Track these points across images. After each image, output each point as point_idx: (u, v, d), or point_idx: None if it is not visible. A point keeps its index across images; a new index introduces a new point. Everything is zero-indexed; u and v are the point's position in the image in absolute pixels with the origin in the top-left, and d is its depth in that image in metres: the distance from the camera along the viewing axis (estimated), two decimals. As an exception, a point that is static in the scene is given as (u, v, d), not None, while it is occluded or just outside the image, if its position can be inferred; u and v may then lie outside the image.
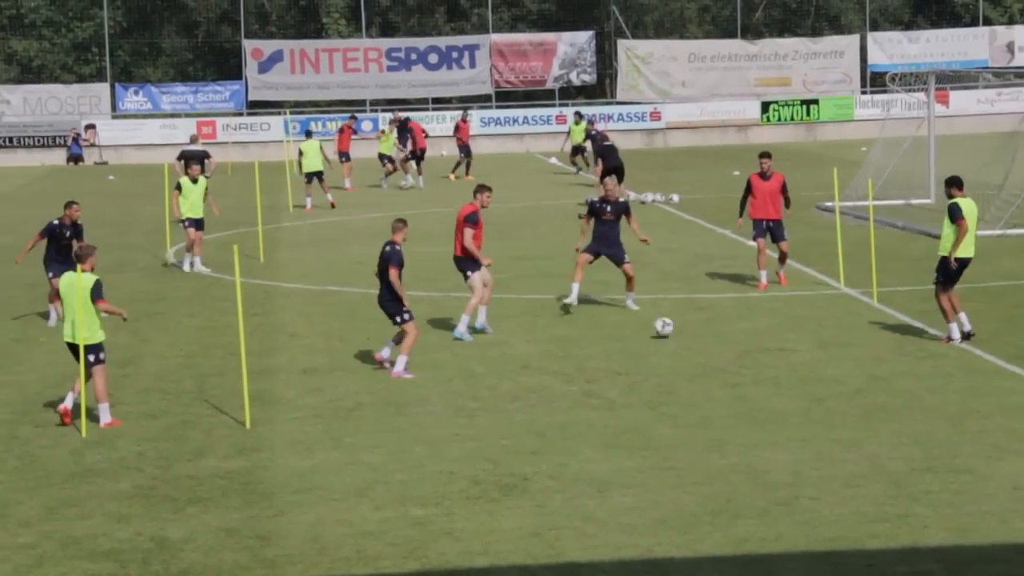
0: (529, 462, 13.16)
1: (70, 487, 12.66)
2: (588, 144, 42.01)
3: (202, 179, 25.49)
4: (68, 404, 14.83)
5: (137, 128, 56.33)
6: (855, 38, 61.25)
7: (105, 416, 14.75)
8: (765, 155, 22.82)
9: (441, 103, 59.01)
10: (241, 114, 57.14)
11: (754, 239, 22.60)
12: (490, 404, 15.45)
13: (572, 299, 20.38)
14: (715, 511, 11.66)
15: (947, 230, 18.04)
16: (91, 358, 14.62)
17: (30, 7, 59.03)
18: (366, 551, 10.93)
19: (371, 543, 11.09)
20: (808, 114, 59.31)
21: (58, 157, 54.95)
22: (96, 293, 14.63)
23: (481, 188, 19.32)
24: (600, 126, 43.34)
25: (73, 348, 14.76)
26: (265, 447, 13.89)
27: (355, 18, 60.00)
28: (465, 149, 44.43)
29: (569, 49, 59.09)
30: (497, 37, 59.02)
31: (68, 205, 20.57)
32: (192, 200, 25.20)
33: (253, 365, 16.41)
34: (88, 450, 13.84)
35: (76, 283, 14.67)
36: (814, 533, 11.14)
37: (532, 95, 59.46)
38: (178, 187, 25.33)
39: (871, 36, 61.29)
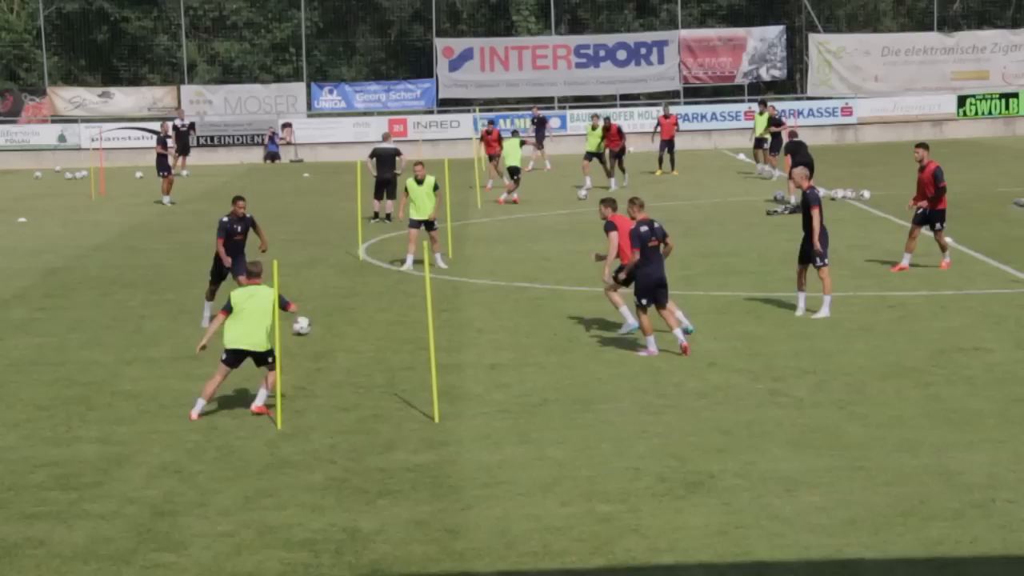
0: (716, 460, 13.08)
1: (266, 478, 13.03)
2: (769, 136, 41.50)
3: (429, 179, 24.73)
4: (260, 401, 15.41)
5: (331, 127, 57.52)
6: (1058, 28, 59.25)
7: (260, 400, 15.37)
8: (920, 145, 23.76)
9: (629, 99, 58.91)
10: (432, 112, 57.92)
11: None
12: (676, 401, 15.40)
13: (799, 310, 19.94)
14: (907, 512, 11.43)
15: None
16: (270, 360, 15.31)
17: (232, 9, 60.82)
18: (552, 546, 11.01)
19: (557, 538, 11.17)
20: (1007, 108, 57.53)
21: (256, 155, 56.47)
22: (283, 300, 15.56)
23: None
24: (790, 123, 42.67)
25: (241, 355, 15.35)
26: (453, 441, 14.08)
27: (544, 15, 60.27)
28: (667, 144, 44.15)
29: (759, 44, 58.38)
30: (686, 33, 58.66)
31: (234, 201, 20.88)
32: (419, 203, 24.67)
33: (442, 360, 16.65)
34: (283, 442, 14.23)
35: (255, 295, 15.37)
36: (1012, 537, 10.84)
37: (721, 91, 58.93)
38: (405, 190, 24.82)
39: (1075, 26, 59.21)
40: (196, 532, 11.57)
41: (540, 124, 48.53)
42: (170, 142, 42.44)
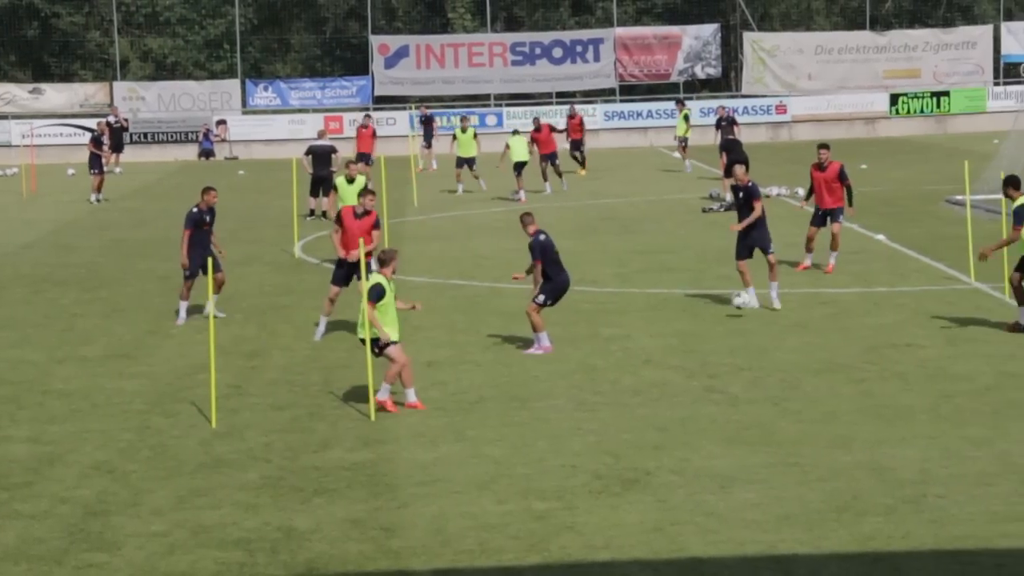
0: (651, 457, 13.13)
1: (200, 477, 12.93)
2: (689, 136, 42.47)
3: (360, 178, 24.11)
4: (383, 395, 15.14)
5: (266, 124, 57.17)
6: (988, 28, 59.93)
7: (412, 397, 15.17)
8: (823, 146, 23.93)
9: (565, 97, 59.02)
10: (367, 109, 57.71)
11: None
12: (612, 398, 15.45)
13: (746, 301, 19.88)
14: (840, 508, 11.53)
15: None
16: (375, 351, 15.06)
17: (165, 5, 60.26)
18: (488, 544, 11.01)
19: (493, 536, 11.16)
20: (939, 106, 58.20)
21: (190, 152, 56.03)
22: (370, 295, 15.03)
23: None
24: (713, 119, 42.91)
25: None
26: (389, 439, 14.05)
27: (480, 13, 60.25)
28: (576, 144, 43.78)
29: (694, 42, 58.69)
30: (622, 31, 58.84)
31: (206, 191, 20.67)
32: (348, 202, 23.48)
33: (377, 359, 16.58)
34: (217, 441, 14.13)
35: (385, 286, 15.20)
36: (943, 531, 10.96)
37: (656, 89, 59.17)
38: (334, 187, 24.27)
39: (1005, 26, 59.92)
40: (129, 532, 11.46)
41: (427, 123, 48.29)
42: (104, 139, 42.00)
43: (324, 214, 32.53)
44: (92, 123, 51.70)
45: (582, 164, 43.56)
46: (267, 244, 28.69)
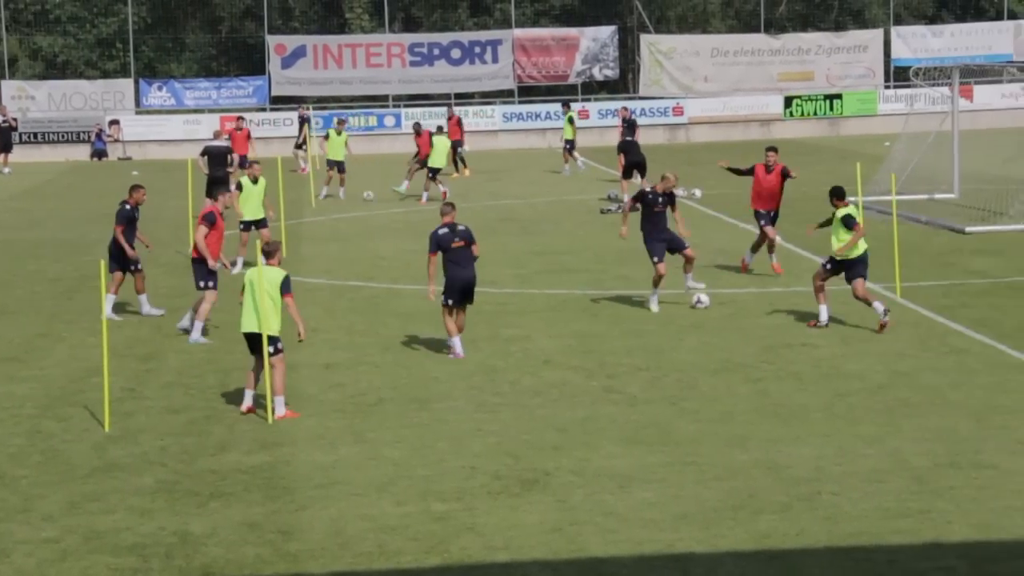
0: (551, 457, 13.16)
1: (93, 482, 12.72)
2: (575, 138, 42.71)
3: (262, 180, 24.15)
4: (249, 402, 14.97)
5: (161, 124, 56.41)
6: (879, 32, 60.96)
7: (280, 409, 14.80)
8: (771, 149, 23.86)
9: (464, 98, 59.00)
10: (264, 109, 57.22)
11: (763, 227, 23.64)
12: (512, 399, 15.46)
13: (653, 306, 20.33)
14: (737, 506, 11.64)
15: (845, 235, 19.00)
16: (271, 348, 14.71)
17: (54, 3, 59.22)
18: (388, 546, 10.95)
19: (392, 538, 11.11)
20: (831, 109, 59.07)
21: (82, 152, 55.11)
22: (286, 287, 14.82)
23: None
24: (612, 120, 43.08)
25: (251, 339, 14.88)
26: (287, 442, 13.92)
27: (378, 13, 60.01)
28: (455, 144, 43.30)
29: (592, 44, 58.98)
30: (520, 32, 58.96)
31: (135, 188, 20.84)
32: (253, 204, 24.13)
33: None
34: (111, 445, 13.90)
35: (262, 276, 14.81)
36: (836, 528, 11.11)
37: (555, 90, 59.33)
38: (239, 187, 24.26)
39: (895, 30, 61.00)
40: (19, 539, 11.23)
41: (303, 124, 47.81)
42: None
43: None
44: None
45: (464, 165, 43.27)
46: (162, 245, 28.28)
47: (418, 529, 11.29)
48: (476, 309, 20.48)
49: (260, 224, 24.43)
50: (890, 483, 12.14)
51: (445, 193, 33.92)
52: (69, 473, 12.99)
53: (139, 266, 20.55)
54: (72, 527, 11.49)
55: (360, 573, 10.50)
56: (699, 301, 20.29)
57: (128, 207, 20.37)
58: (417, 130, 39.59)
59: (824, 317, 18.96)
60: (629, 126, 41.09)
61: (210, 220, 18.98)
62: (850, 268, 19.12)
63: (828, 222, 19.69)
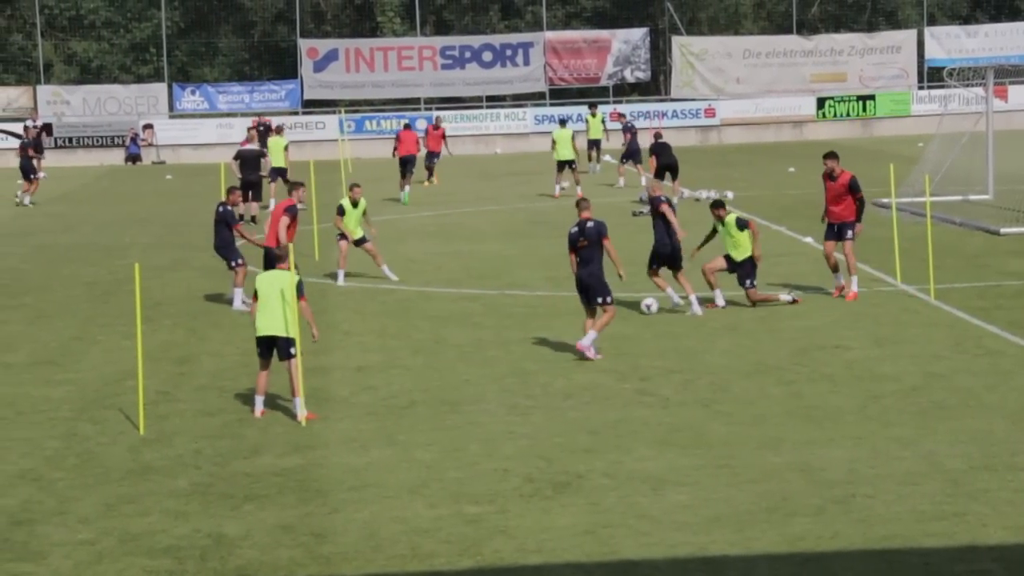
0: (583, 460, 13.15)
1: (128, 484, 12.79)
2: (604, 139, 42.74)
3: (363, 201, 23.63)
4: (261, 407, 15.13)
5: (194, 128, 56.70)
6: (912, 33, 60.71)
7: (300, 411, 14.90)
8: (829, 156, 21.68)
9: (495, 100, 59.06)
10: (296, 113, 57.44)
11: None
12: (543, 402, 15.46)
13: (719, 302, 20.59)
14: (770, 509, 11.61)
15: (744, 239, 20.27)
16: (291, 351, 14.87)
17: (89, 8, 59.62)
18: (420, 548, 10.97)
19: (425, 540, 11.13)
20: (864, 110, 58.86)
21: (116, 157, 55.45)
22: (300, 291, 14.98)
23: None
24: (644, 123, 43.07)
25: (265, 343, 15.02)
26: (320, 444, 13.97)
27: (410, 16, 60.16)
28: (434, 155, 42.82)
29: (623, 46, 58.94)
30: (551, 34, 58.98)
31: (232, 191, 22.06)
32: (353, 224, 23.58)
33: (308, 363, 16.50)
34: (146, 447, 13.98)
35: (276, 280, 15.02)
36: (870, 531, 11.07)
37: (586, 92, 59.35)
38: (340, 211, 23.58)
39: (928, 31, 60.74)
40: (55, 541, 11.31)
41: (265, 132, 47.15)
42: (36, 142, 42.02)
43: (253, 219, 32.32)
44: (15, 128, 51.23)
45: (430, 175, 42.16)
46: (195, 249, 28.42)
47: (451, 532, 11.30)
48: (507, 311, 20.55)
49: (360, 242, 23.96)
50: (925, 486, 12.08)
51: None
52: (105, 476, 13.06)
53: (241, 261, 21.55)
54: (108, 529, 11.56)
55: (393, 575, 10.53)
56: (648, 306, 20.26)
57: (229, 208, 21.67)
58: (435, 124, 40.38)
59: (720, 301, 20.20)
60: (628, 129, 41.20)
61: (292, 212, 19.73)
62: (740, 268, 20.19)
63: (711, 236, 20.75)
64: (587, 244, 17.64)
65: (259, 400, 15.22)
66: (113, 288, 23.57)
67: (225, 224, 21.59)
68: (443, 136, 42.84)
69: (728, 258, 20.49)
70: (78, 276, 25.36)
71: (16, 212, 37.16)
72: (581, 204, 18.33)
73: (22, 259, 27.83)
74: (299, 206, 21.20)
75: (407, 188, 37.56)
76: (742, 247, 20.39)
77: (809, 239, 27.04)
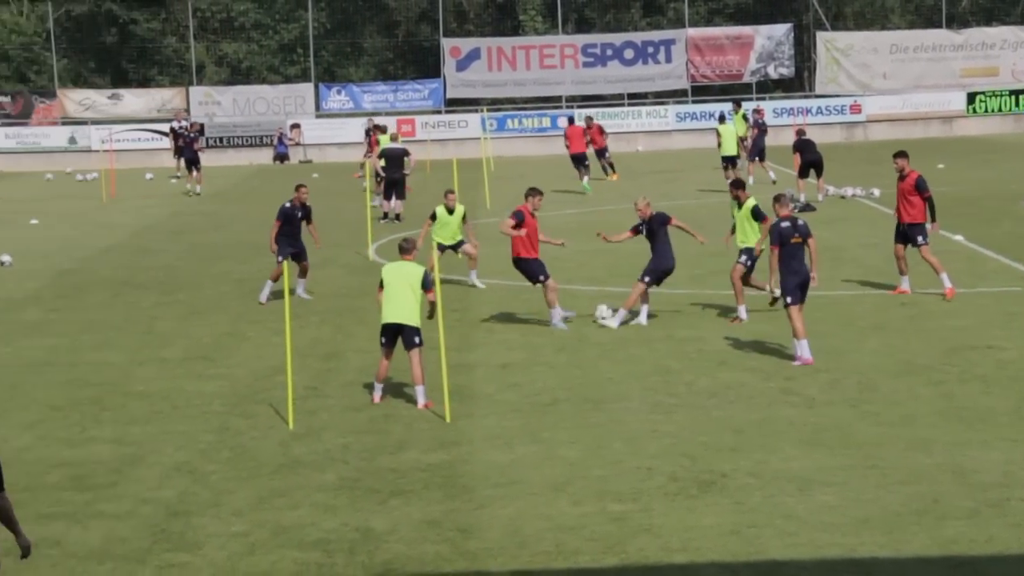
0: (728, 459, 13.08)
1: (279, 478, 13.05)
2: (750, 135, 42.02)
3: (459, 207, 23.02)
4: (379, 394, 15.60)
5: (340, 127, 57.48)
6: (1068, 25, 59.11)
7: (421, 398, 15.34)
8: (899, 155, 21.60)
9: (636, 98, 58.89)
10: (439, 112, 57.94)
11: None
12: (687, 400, 15.40)
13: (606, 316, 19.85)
14: (921, 511, 11.42)
15: (751, 227, 19.87)
16: (416, 340, 15.30)
17: (239, 11, 60.88)
18: (565, 545, 11.02)
19: (570, 537, 11.17)
20: (1017, 105, 57.39)
21: (265, 156, 56.49)
22: (428, 283, 15.37)
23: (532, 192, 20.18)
24: (787, 120, 42.53)
25: (391, 330, 15.41)
26: (465, 441, 14.10)
27: (551, 15, 60.26)
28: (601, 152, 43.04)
29: (767, 42, 58.33)
30: (693, 31, 58.62)
31: (297, 188, 22.44)
32: (451, 231, 23.05)
33: (452, 360, 16.67)
34: (295, 442, 14.25)
35: (403, 271, 15.42)
36: (1025, 536, 10.84)
37: (728, 89, 58.84)
38: (432, 216, 22.98)
39: (1085, 23, 59.07)
40: (210, 532, 11.60)
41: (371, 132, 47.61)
42: (201, 139, 44.57)
43: (398, 216, 32.71)
44: (167, 128, 52.63)
45: (611, 169, 42.94)
46: (342, 247, 28.86)
47: (595, 529, 11.33)
48: (650, 310, 20.45)
49: (457, 246, 23.69)
50: (1082, 490, 11.79)
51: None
52: (256, 469, 13.35)
53: (305, 257, 22.25)
54: (260, 522, 11.82)
55: (538, 572, 10.59)
56: (602, 318, 19.64)
57: (288, 205, 22.22)
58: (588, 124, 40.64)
59: (744, 315, 19.53)
60: (758, 127, 40.67)
61: (519, 218, 19.91)
62: (741, 253, 19.94)
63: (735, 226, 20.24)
64: (799, 240, 17.26)
65: (378, 387, 15.66)
66: (263, 285, 24.03)
67: (287, 221, 22.08)
68: (601, 131, 42.96)
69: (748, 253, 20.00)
70: (229, 273, 25.91)
71: (170, 210, 38.09)
72: (781, 200, 17.79)
73: (176, 257, 28.53)
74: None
75: (586, 179, 38.96)
76: (749, 237, 19.92)
77: (959, 237, 26.50)
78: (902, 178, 21.38)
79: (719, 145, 38.96)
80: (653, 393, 15.76)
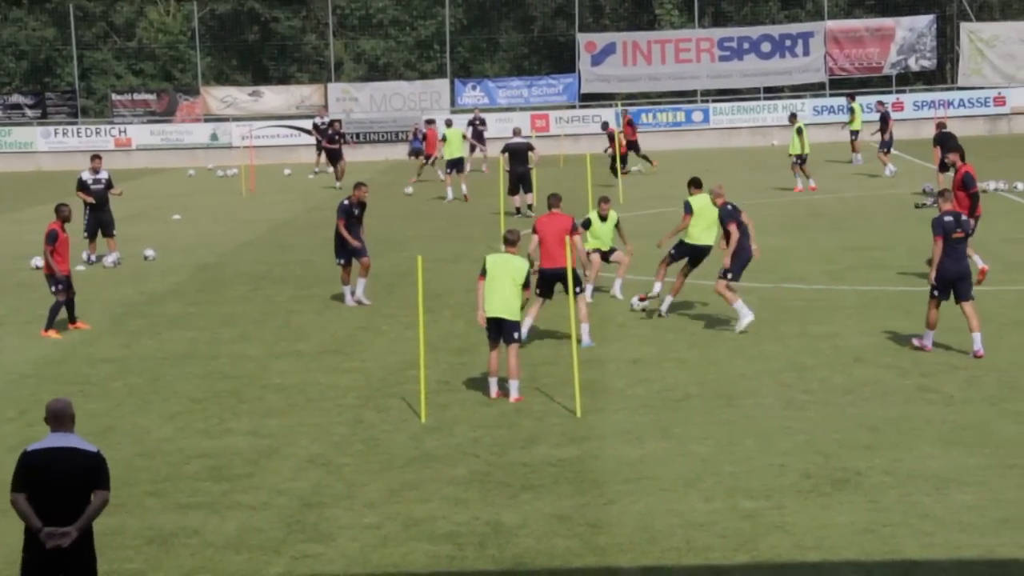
0: (862, 457, 12.90)
1: (411, 471, 13.19)
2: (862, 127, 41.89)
3: (612, 214, 21.50)
4: (496, 388, 15.71)
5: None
6: None
7: (515, 392, 15.53)
8: (951, 150, 21.39)
9: (773, 92, 58.26)
10: (574, 107, 57.93)
11: None
12: (821, 397, 15.22)
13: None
14: (1061, 513, 11.15)
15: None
16: (515, 335, 15.49)
17: (378, 7, 61.58)
18: (696, 542, 10.96)
19: (701, 534, 11.11)
20: None
21: (400, 152, 57.03)
22: (527, 281, 15.55)
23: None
24: (928, 112, 41.78)
25: (494, 324, 15.54)
26: (595, 436, 14.10)
27: (688, 8, 59.89)
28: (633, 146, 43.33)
29: (908, 34, 57.25)
30: (832, 24, 57.77)
31: (357, 186, 22.42)
32: (601, 238, 21.71)
33: (583, 354, 16.67)
34: (427, 435, 14.38)
35: (508, 264, 15.53)
36: None
37: (867, 82, 57.92)
38: (586, 224, 21.17)
39: None
40: (343, 524, 11.76)
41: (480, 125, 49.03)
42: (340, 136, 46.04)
43: (529, 207, 32.81)
44: (307, 124, 53.46)
45: (649, 161, 44.33)
46: (474, 241, 29.03)
47: (726, 526, 11.26)
48: (784, 305, 20.26)
49: (609, 254, 23.29)
50: None
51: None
52: (389, 462, 13.50)
53: (365, 254, 22.08)
54: (392, 514, 11.95)
55: (668, 568, 10.55)
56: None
57: (347, 203, 22.14)
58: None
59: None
60: (883, 119, 40.00)
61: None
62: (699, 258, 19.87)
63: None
64: (962, 235, 16.93)
65: (492, 382, 15.73)
66: (396, 280, 24.29)
67: (348, 218, 22.00)
68: (630, 122, 44.04)
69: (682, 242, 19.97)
70: (364, 268, 26.18)
71: (307, 206, 38.67)
72: (945, 195, 17.48)
73: (312, 251, 28.94)
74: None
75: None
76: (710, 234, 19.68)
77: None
78: (954, 173, 21.00)
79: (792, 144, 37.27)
80: (786, 389, 15.59)
